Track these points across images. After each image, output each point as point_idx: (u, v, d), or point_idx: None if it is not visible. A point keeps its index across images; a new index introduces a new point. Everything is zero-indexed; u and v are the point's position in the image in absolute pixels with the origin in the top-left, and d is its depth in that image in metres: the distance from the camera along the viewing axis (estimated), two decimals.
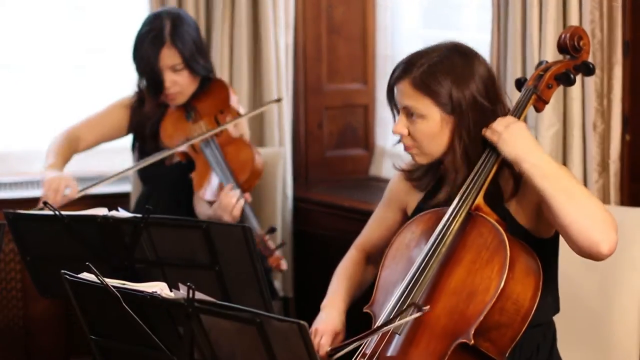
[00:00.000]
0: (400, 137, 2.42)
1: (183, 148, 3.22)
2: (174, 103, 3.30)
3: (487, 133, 2.32)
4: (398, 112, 2.43)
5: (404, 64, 2.39)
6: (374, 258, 2.62)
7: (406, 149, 2.42)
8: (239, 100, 3.47)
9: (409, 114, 2.37)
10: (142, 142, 3.40)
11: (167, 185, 3.32)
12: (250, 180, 3.18)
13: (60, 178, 3.14)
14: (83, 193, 3.13)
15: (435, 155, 2.40)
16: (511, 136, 2.27)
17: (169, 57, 3.21)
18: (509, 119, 2.31)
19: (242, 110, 3.37)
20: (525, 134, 2.28)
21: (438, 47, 2.39)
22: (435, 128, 2.36)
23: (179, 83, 3.24)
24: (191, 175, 3.23)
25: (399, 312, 2.21)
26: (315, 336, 2.46)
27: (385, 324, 2.22)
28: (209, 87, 3.33)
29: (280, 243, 3.00)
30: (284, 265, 3.04)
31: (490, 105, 2.36)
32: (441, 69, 2.34)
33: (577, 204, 2.20)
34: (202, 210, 3.25)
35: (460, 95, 2.33)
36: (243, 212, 3.06)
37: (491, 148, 2.33)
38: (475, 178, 2.33)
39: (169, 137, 3.29)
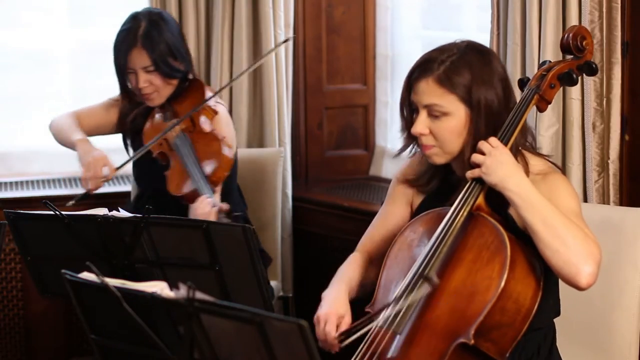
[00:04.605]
0: (418, 138, 2.38)
1: (153, 143, 3.20)
2: (151, 104, 3.29)
3: (472, 159, 2.30)
4: (411, 113, 2.40)
5: (422, 63, 2.36)
6: (376, 259, 2.57)
7: (425, 149, 2.39)
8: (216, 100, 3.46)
9: (432, 112, 2.34)
10: (132, 140, 3.40)
11: (160, 183, 3.30)
12: (218, 172, 3.16)
13: (96, 160, 3.14)
14: (120, 171, 3.18)
15: (456, 153, 2.37)
16: (492, 163, 2.26)
17: (138, 58, 3.21)
18: (492, 141, 2.29)
19: (221, 108, 3.34)
20: (505, 159, 2.26)
21: (454, 45, 2.37)
22: (460, 125, 2.34)
23: (153, 83, 3.23)
24: (165, 174, 3.21)
25: (409, 290, 2.17)
26: (319, 324, 2.35)
27: (396, 299, 2.20)
28: (187, 88, 3.32)
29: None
30: None
31: (505, 103, 2.35)
32: (463, 65, 2.32)
33: (555, 236, 2.19)
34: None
35: (480, 92, 2.32)
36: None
37: None
38: (477, 178, 2.32)
39: (148, 137, 3.28)
